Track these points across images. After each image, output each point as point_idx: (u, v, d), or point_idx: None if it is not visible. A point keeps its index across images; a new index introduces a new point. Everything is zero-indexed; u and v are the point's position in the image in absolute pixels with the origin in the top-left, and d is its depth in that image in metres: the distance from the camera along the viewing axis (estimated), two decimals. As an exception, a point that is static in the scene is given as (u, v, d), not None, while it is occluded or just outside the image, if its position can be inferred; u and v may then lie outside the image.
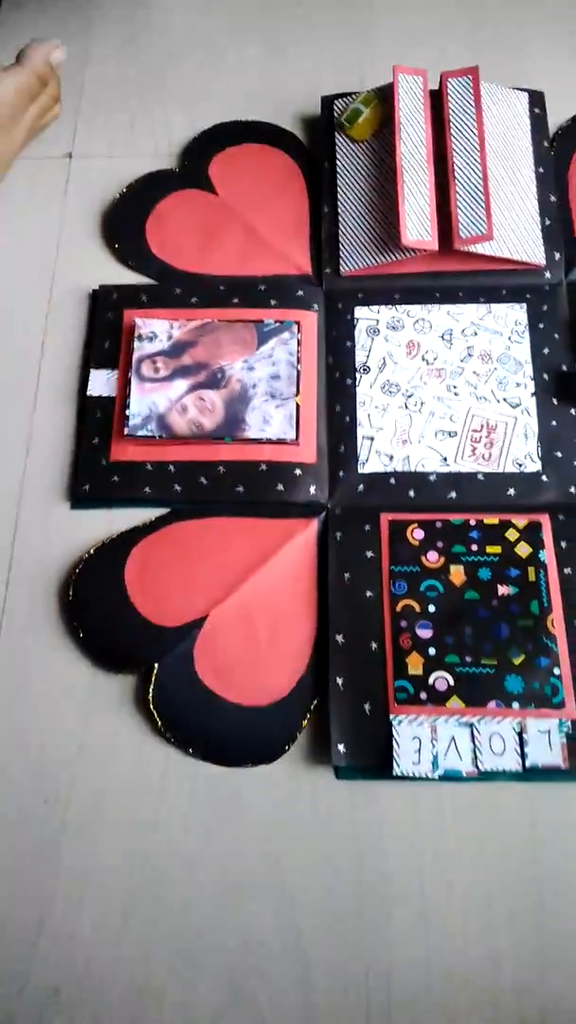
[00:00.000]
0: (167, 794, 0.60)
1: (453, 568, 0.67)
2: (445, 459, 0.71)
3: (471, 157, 0.76)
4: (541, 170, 0.80)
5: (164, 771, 0.61)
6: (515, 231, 0.77)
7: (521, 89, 0.83)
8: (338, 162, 0.81)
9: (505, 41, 0.88)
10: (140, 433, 0.71)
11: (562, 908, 0.57)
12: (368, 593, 0.66)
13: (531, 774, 0.60)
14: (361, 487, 0.70)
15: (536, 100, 0.83)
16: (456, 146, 0.76)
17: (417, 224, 0.74)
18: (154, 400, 0.71)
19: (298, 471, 0.70)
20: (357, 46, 0.89)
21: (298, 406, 0.72)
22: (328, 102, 0.84)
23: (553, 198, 0.79)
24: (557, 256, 0.77)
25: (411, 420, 0.73)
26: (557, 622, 0.65)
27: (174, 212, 0.81)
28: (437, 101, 0.79)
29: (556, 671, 0.63)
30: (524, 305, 0.76)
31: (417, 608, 0.66)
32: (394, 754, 0.60)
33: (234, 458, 0.70)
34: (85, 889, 0.58)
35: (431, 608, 0.66)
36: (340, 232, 0.78)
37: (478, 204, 0.74)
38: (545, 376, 0.73)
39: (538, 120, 0.82)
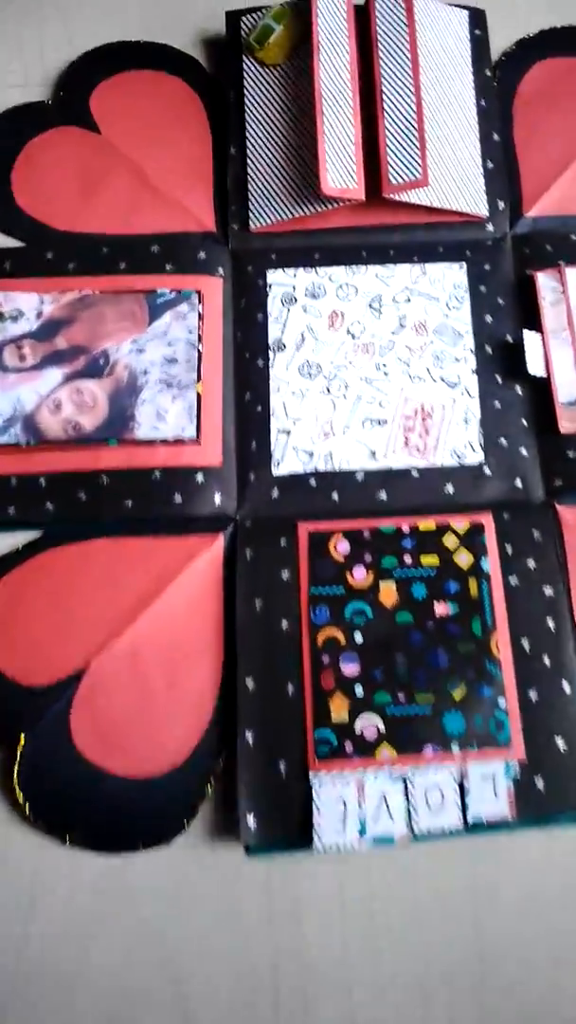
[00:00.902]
0: (39, 899, 0.50)
1: (383, 586, 0.57)
2: (374, 454, 0.60)
3: (403, 86, 0.63)
4: (483, 103, 0.68)
5: (35, 869, 0.50)
6: (454, 176, 0.65)
7: (458, 6, 0.70)
8: (246, 92, 0.67)
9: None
10: (2, 439, 0.58)
11: (506, 1003, 0.48)
12: (284, 624, 0.56)
13: (474, 830, 0.51)
14: (276, 492, 0.59)
15: (477, 20, 0.70)
16: (386, 72, 0.63)
17: (340, 168, 0.61)
18: (19, 396, 0.59)
19: (200, 477, 0.59)
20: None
21: (199, 396, 0.60)
22: (234, 18, 0.70)
23: (496, 136, 0.67)
24: (501, 205, 0.66)
25: (334, 407, 0.61)
26: (502, 644, 0.56)
27: (46, 156, 0.67)
28: (363, 17, 0.66)
29: (501, 703, 0.54)
30: (463, 265, 0.65)
31: (342, 639, 0.55)
32: (314, 823, 0.50)
33: (121, 465, 0.59)
34: None
35: (358, 637, 0.56)
36: (249, 178, 0.65)
37: (411, 143, 0.62)
38: (488, 349, 0.63)
39: (479, 44, 0.69)
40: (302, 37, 0.67)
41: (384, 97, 0.63)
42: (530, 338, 0.62)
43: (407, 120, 0.62)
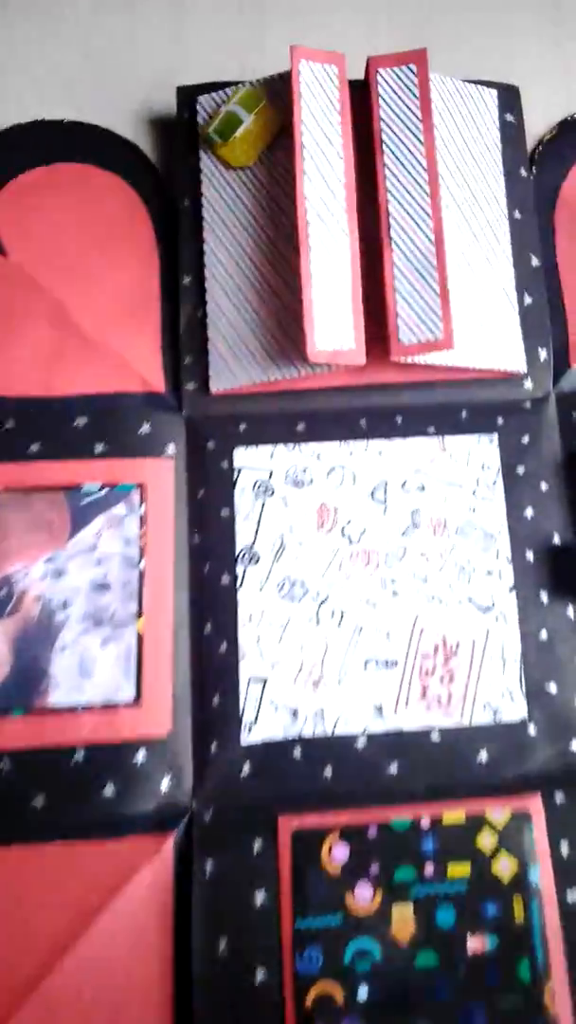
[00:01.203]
0: None
1: (397, 911, 0.42)
2: (380, 709, 0.45)
3: (416, 204, 0.47)
4: (517, 215, 0.52)
5: None
6: (482, 321, 0.49)
7: (485, 83, 0.54)
8: (205, 202, 0.51)
9: (459, 13, 0.58)
10: None
11: None
12: (259, 974, 0.40)
13: None
14: (247, 768, 0.44)
15: (508, 100, 0.54)
16: (393, 184, 0.47)
17: (332, 323, 0.45)
18: None
19: (140, 756, 0.43)
20: (239, 12, 0.58)
21: (140, 637, 0.44)
22: (188, 97, 0.53)
23: (535, 260, 0.51)
24: (543, 355, 0.50)
25: (326, 644, 0.45)
26: (559, 994, 0.40)
27: None
28: (362, 104, 0.50)
29: (561, 1075, 0.39)
30: (495, 437, 0.49)
31: (339, 996, 0.40)
32: None
33: (29, 744, 0.43)
34: None
35: (362, 992, 0.40)
36: (209, 322, 0.49)
37: (428, 287, 0.46)
38: (529, 555, 0.47)
39: (512, 133, 0.53)
40: (280, 130, 0.50)
41: (392, 221, 0.47)
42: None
43: (422, 254, 0.46)
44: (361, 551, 0.47)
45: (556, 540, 0.48)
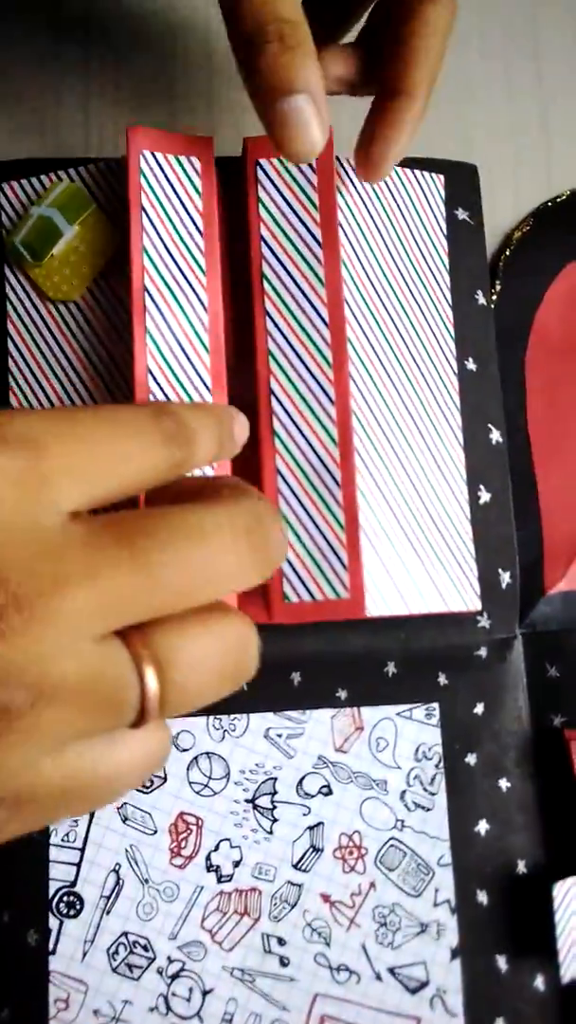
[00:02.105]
0: None
1: None
2: None
3: (310, 365, 0.31)
4: (472, 366, 0.35)
5: None
6: (418, 546, 0.33)
7: (427, 164, 0.37)
8: (11, 343, 0.34)
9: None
10: None
11: None
12: None
13: None
14: None
15: (459, 188, 0.37)
16: (276, 331, 0.32)
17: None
18: None
19: None
20: (60, 68, 0.40)
21: None
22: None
23: (497, 434, 0.35)
24: (505, 580, 0.34)
25: (177, 1046, 0.30)
26: None
27: None
28: (236, 210, 0.33)
29: None
30: (435, 707, 0.34)
31: None
32: None
33: None
34: None
35: None
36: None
37: (329, 517, 0.30)
38: (482, 896, 0.32)
39: (464, 236, 0.37)
40: (114, 248, 0.34)
41: (275, 403, 0.31)
42: (563, 889, 0.31)
43: (319, 458, 0.30)
44: (235, 892, 0.32)
45: (521, 869, 0.32)
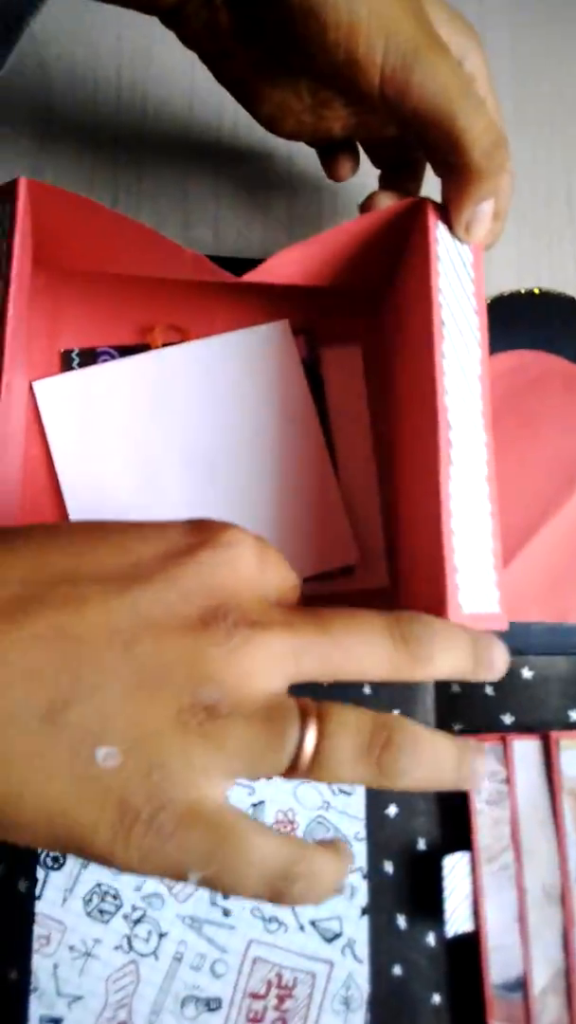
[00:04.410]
0: None
1: None
2: (196, 1063, 0.37)
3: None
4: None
5: None
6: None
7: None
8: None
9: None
10: None
11: None
12: None
13: None
14: None
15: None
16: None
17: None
18: None
19: None
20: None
21: None
22: None
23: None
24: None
25: (138, 976, 0.38)
26: None
27: None
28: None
29: None
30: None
31: None
32: None
33: None
34: None
35: None
36: None
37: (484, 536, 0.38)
38: (388, 866, 0.39)
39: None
40: None
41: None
42: (452, 863, 0.39)
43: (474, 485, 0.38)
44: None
45: (421, 846, 0.40)
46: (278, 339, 0.45)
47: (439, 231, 0.37)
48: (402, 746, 0.24)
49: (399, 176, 0.41)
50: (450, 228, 0.37)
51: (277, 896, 0.23)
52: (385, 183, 0.41)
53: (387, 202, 0.37)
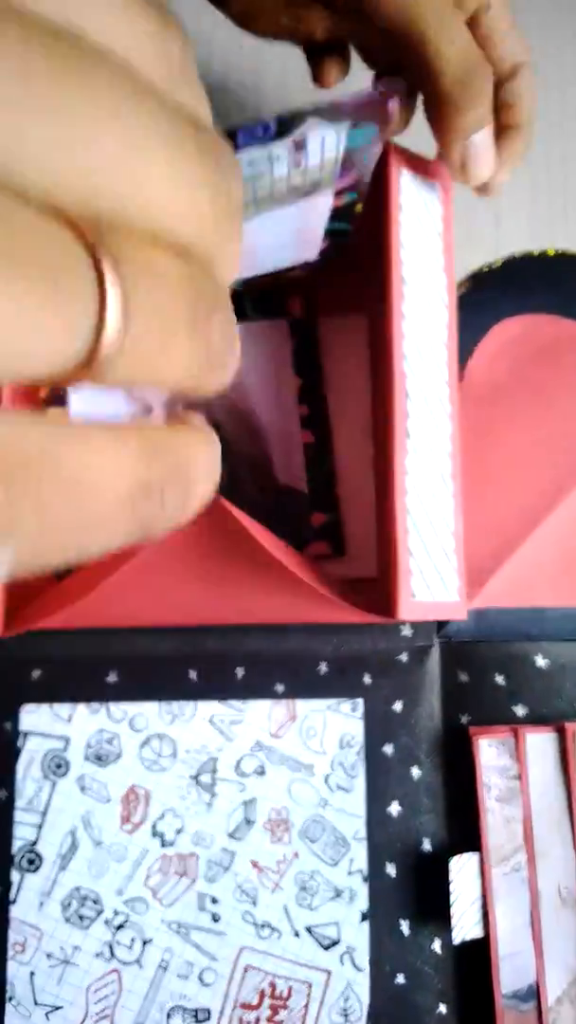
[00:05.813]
0: None
1: None
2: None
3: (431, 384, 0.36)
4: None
5: None
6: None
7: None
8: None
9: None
10: None
11: None
12: None
13: None
14: None
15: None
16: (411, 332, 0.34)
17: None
18: None
19: None
20: None
21: None
22: None
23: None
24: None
25: (121, 985, 0.35)
26: None
27: None
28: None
29: None
30: (359, 702, 0.38)
31: None
32: None
33: None
34: None
35: None
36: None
37: (443, 521, 0.35)
38: (391, 869, 0.37)
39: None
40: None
41: (408, 422, 0.36)
42: (459, 864, 0.36)
43: (435, 469, 0.35)
44: (176, 856, 0.37)
45: (426, 847, 0.37)
46: (278, 339, 0.42)
47: (403, 179, 0.34)
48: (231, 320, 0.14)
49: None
50: (449, 168, 0.33)
51: (146, 528, 0.13)
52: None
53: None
